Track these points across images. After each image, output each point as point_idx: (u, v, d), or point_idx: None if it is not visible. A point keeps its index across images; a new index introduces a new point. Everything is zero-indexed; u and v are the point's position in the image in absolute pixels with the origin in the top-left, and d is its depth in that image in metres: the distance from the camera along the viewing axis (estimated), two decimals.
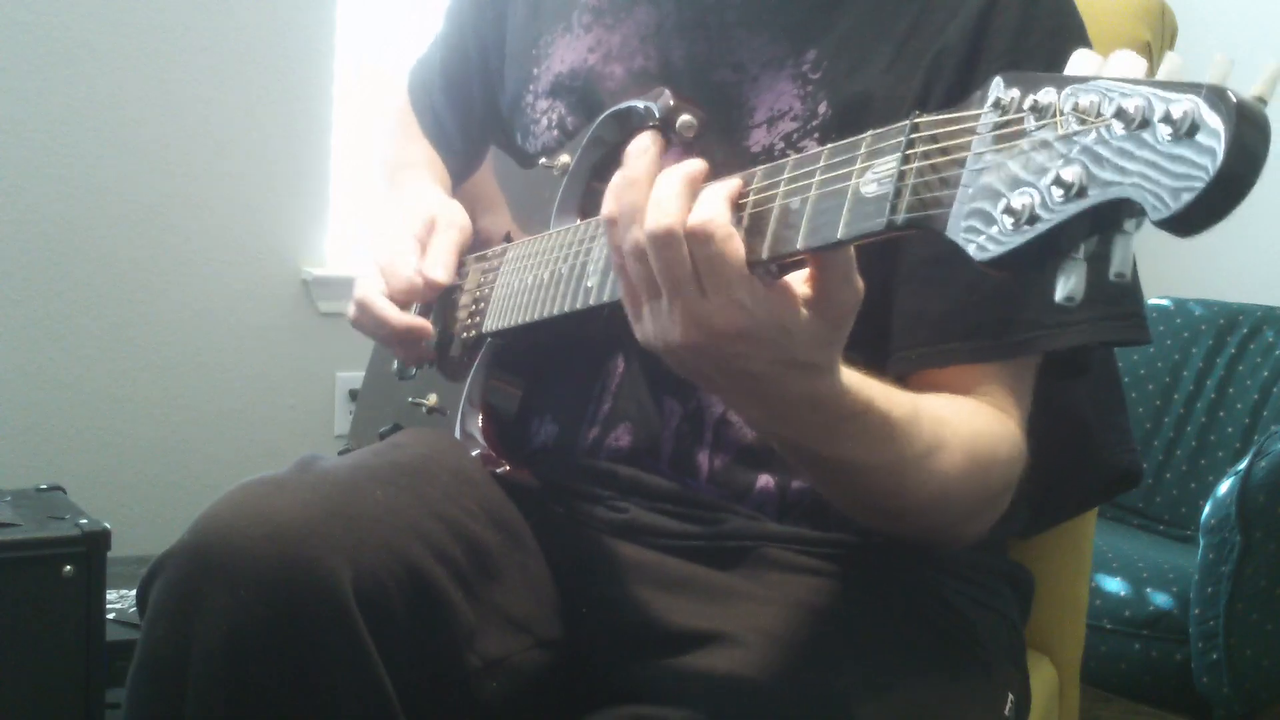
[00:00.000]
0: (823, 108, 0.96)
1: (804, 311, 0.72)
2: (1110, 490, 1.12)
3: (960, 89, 0.92)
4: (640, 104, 1.00)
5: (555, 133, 1.11)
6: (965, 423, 0.87)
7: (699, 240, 0.72)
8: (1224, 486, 2.23)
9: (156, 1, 2.27)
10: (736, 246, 0.71)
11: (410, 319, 1.07)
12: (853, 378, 0.78)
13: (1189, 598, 2.26)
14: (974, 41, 0.93)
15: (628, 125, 1.02)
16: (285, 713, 0.81)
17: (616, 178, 0.78)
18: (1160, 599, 2.33)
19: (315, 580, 0.79)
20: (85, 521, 1.58)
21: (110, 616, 1.67)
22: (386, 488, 0.89)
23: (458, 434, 1.07)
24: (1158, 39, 1.26)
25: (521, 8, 1.17)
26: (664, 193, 0.74)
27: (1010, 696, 1.00)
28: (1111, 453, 1.07)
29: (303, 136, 2.44)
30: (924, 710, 0.90)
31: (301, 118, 2.44)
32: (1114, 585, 2.39)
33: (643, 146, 0.78)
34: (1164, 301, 2.94)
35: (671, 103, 0.98)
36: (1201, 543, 2.24)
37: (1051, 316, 0.89)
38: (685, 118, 0.97)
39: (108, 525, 1.59)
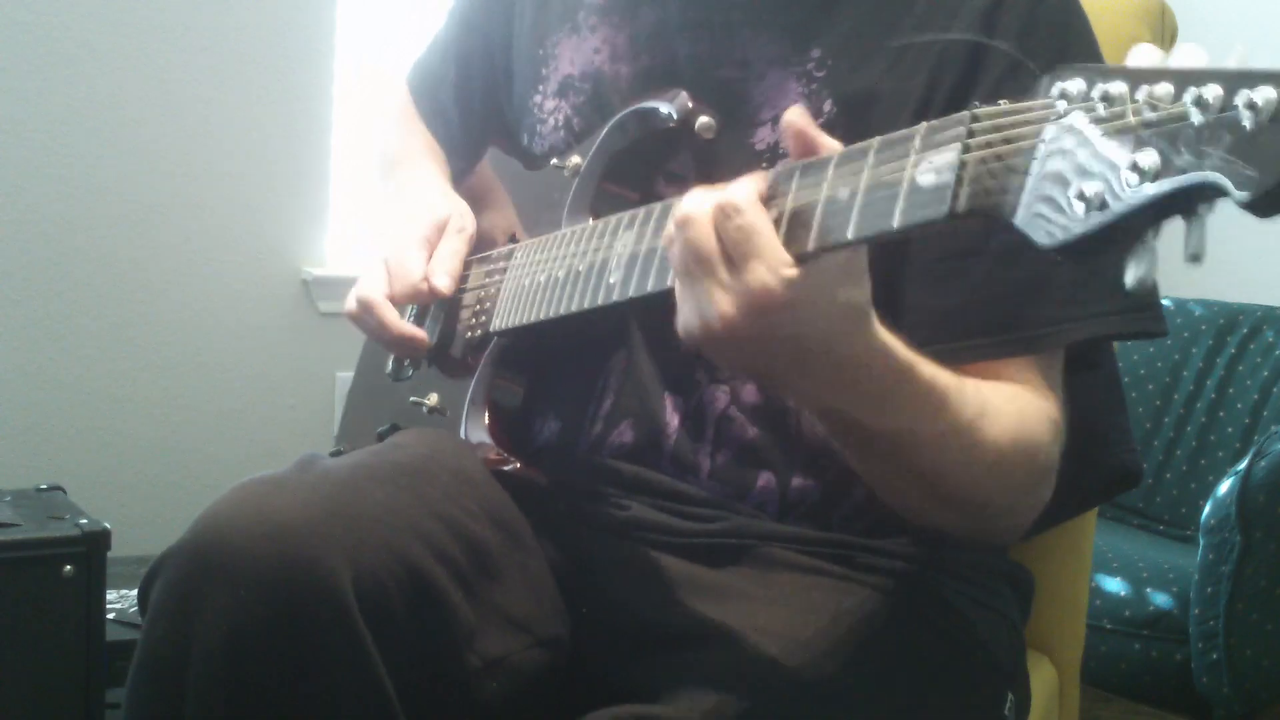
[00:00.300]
0: (827, 105, 0.97)
1: (830, 254, 0.72)
2: (1110, 490, 1.12)
3: (965, 87, 0.92)
4: (658, 105, 1.01)
5: (562, 132, 1.11)
6: (1009, 398, 0.87)
7: (725, 214, 0.72)
8: (1224, 486, 2.23)
9: (156, 1, 2.27)
10: (760, 214, 0.72)
11: (410, 329, 1.08)
12: (891, 339, 0.78)
13: (1189, 598, 2.26)
14: (979, 40, 0.93)
15: (643, 126, 1.02)
16: (285, 712, 0.81)
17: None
18: (1160, 599, 2.33)
19: (315, 580, 0.79)
20: (85, 521, 1.58)
21: (110, 616, 1.67)
22: (386, 487, 0.89)
23: (463, 434, 1.07)
24: (1158, 39, 1.26)
25: (529, 9, 1.17)
26: (696, 190, 0.77)
27: (1010, 696, 1.00)
28: (1112, 453, 1.07)
29: (303, 136, 2.44)
30: (924, 710, 0.90)
31: (301, 118, 2.44)
32: (1114, 585, 2.39)
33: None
34: (1164, 301, 2.93)
35: (690, 105, 0.98)
36: (1201, 543, 2.24)
37: (1071, 309, 0.89)
38: (704, 119, 0.98)
39: (108, 525, 1.59)
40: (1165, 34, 1.28)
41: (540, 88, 1.13)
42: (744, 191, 0.74)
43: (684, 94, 1.00)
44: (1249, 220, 0.59)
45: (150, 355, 2.35)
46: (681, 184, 1.01)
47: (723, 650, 0.88)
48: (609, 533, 0.99)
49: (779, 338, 0.74)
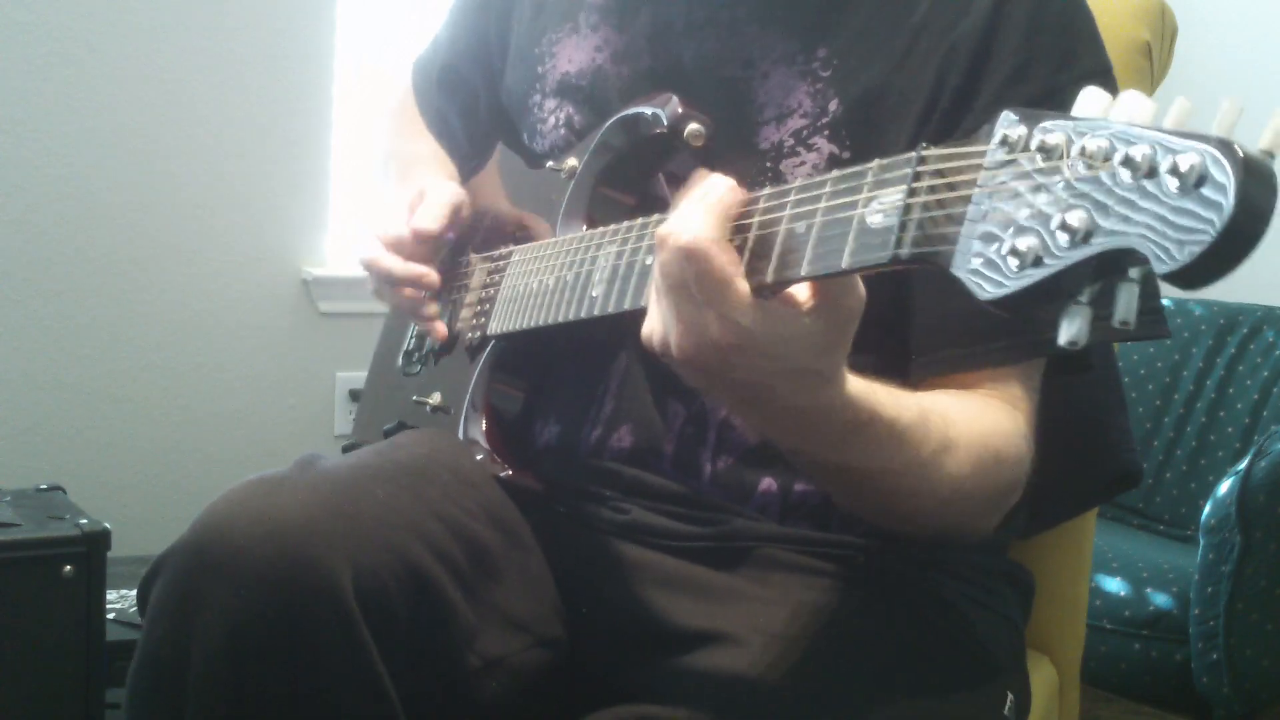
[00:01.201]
0: (833, 104, 0.96)
1: (805, 319, 0.71)
2: (1110, 490, 1.12)
3: (971, 83, 0.92)
4: (648, 110, 1.00)
5: (563, 131, 1.11)
6: (974, 421, 0.87)
7: (687, 256, 0.72)
8: (1224, 486, 2.23)
9: (157, 1, 2.27)
10: (722, 264, 0.71)
11: (416, 267, 1.10)
12: (858, 385, 0.77)
13: (1189, 598, 2.26)
14: (985, 38, 0.93)
15: (635, 131, 1.02)
16: (285, 712, 0.81)
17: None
18: (1160, 599, 2.33)
19: (315, 579, 0.79)
20: (85, 521, 1.58)
21: (110, 616, 1.67)
22: (387, 487, 0.89)
23: (460, 437, 1.07)
24: (1158, 39, 1.26)
25: (527, 7, 1.17)
26: (688, 201, 0.76)
27: (1010, 697, 1.00)
28: (1112, 453, 1.07)
29: (303, 136, 2.44)
30: (925, 710, 0.90)
31: (301, 118, 2.43)
32: (1114, 585, 2.39)
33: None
34: (1164, 301, 2.93)
35: (680, 110, 0.98)
36: (1201, 543, 2.24)
37: None
38: (693, 126, 0.97)
39: (108, 525, 1.59)
40: (1165, 34, 1.28)
41: (538, 86, 1.13)
42: (709, 230, 0.72)
43: (675, 99, 0.99)
44: None
45: (150, 355, 2.34)
46: (684, 184, 1.01)
47: (722, 651, 0.88)
48: (609, 535, 0.99)
49: (729, 377, 0.74)
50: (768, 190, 0.74)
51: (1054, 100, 0.91)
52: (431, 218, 1.09)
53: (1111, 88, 0.95)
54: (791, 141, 0.97)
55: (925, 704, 0.90)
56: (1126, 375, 2.81)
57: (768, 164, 0.98)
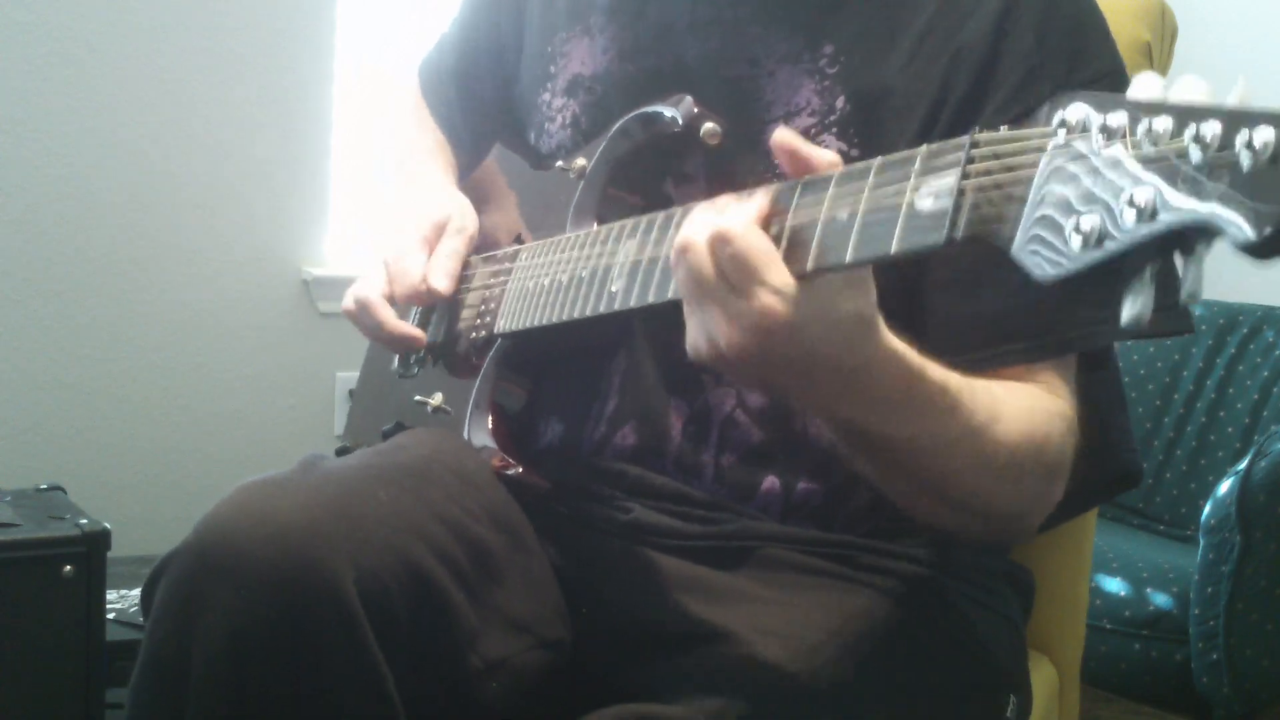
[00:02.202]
0: (840, 102, 0.96)
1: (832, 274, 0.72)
2: (1110, 490, 1.12)
3: (980, 86, 0.92)
4: (664, 110, 1.00)
5: (569, 130, 1.11)
6: (1014, 395, 0.87)
7: (718, 243, 0.72)
8: (1224, 486, 2.23)
9: (157, 1, 2.27)
10: (752, 242, 0.72)
11: (405, 328, 1.09)
12: (900, 345, 0.78)
13: (1189, 598, 2.26)
14: (994, 39, 0.93)
15: (649, 130, 1.02)
16: (288, 713, 0.81)
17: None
18: (1160, 599, 2.33)
19: (318, 581, 0.80)
20: (85, 521, 1.58)
21: (110, 616, 1.67)
22: (389, 489, 0.89)
23: (466, 436, 1.07)
24: (1158, 39, 1.26)
25: (537, 7, 1.17)
26: (696, 212, 0.76)
27: (1012, 699, 1.00)
28: (1112, 453, 1.07)
29: (303, 136, 2.44)
30: (926, 710, 0.90)
31: (301, 118, 2.43)
32: (1114, 585, 2.39)
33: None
34: None
35: (695, 110, 0.98)
36: (1201, 543, 2.24)
37: (1104, 310, 0.89)
38: (710, 125, 0.98)
39: (108, 525, 1.58)
40: (1165, 34, 1.28)
41: (548, 85, 1.13)
42: (740, 217, 0.73)
43: (689, 99, 0.99)
44: None
45: (150, 355, 2.34)
46: (692, 185, 1.01)
47: (725, 651, 0.88)
48: (611, 535, 0.99)
49: (787, 356, 0.74)
50: (803, 180, 0.74)
51: None
52: (446, 275, 1.08)
53: (1124, 87, 0.95)
54: None
55: (928, 705, 0.90)
56: (1126, 375, 2.81)
57: (775, 161, 0.98)
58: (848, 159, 0.95)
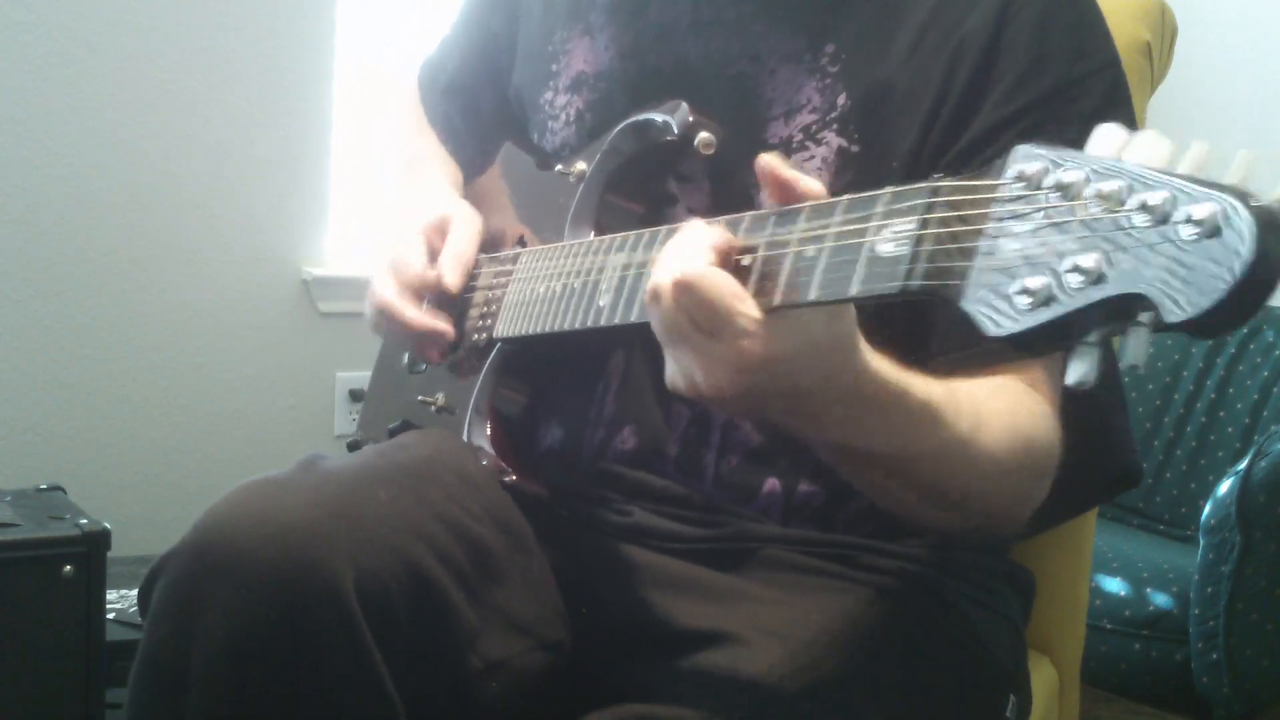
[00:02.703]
0: (841, 99, 0.96)
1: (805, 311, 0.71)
2: (1110, 490, 1.12)
3: (981, 81, 0.92)
4: (658, 117, 1.00)
5: (574, 128, 1.10)
6: (994, 397, 0.87)
7: (682, 292, 0.72)
8: (1224, 486, 2.23)
9: (156, 2, 2.27)
10: (718, 286, 0.71)
11: (431, 322, 1.07)
12: (882, 361, 0.77)
13: (1189, 598, 2.26)
14: (994, 34, 0.93)
15: (644, 137, 1.02)
16: (287, 713, 0.81)
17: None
18: (1160, 599, 2.33)
19: (318, 581, 0.79)
20: (85, 521, 1.58)
21: (110, 616, 1.67)
22: (389, 489, 0.89)
23: (466, 440, 1.07)
24: (1158, 39, 1.26)
25: (536, 5, 1.17)
26: (665, 252, 0.76)
27: (1012, 698, 1.00)
28: (1112, 453, 1.07)
29: (303, 136, 2.44)
30: (926, 710, 0.90)
31: (301, 118, 2.43)
32: (1114, 585, 2.39)
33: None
34: None
35: (690, 118, 0.98)
36: (1201, 543, 2.25)
37: None
38: (704, 135, 0.97)
39: (108, 525, 1.58)
40: (1165, 34, 1.28)
41: (551, 84, 1.13)
42: (700, 260, 0.72)
43: (684, 106, 0.99)
44: None
45: (150, 355, 2.34)
46: (693, 185, 1.01)
47: (725, 652, 0.88)
48: (611, 537, 0.99)
49: (766, 390, 0.74)
50: (779, 210, 0.74)
51: (1070, 92, 0.91)
52: (454, 272, 1.07)
53: (1121, 81, 0.95)
54: (800, 136, 0.97)
55: (928, 705, 0.90)
56: (1126, 375, 2.81)
57: (773, 211, 0.98)
58: (849, 155, 0.95)
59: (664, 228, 0.87)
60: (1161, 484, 2.80)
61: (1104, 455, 1.07)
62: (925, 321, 0.91)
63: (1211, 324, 0.50)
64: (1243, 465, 2.22)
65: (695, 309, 0.72)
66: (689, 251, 0.74)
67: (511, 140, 1.25)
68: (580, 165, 1.07)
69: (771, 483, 0.98)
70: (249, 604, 0.79)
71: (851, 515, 0.99)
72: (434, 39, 1.35)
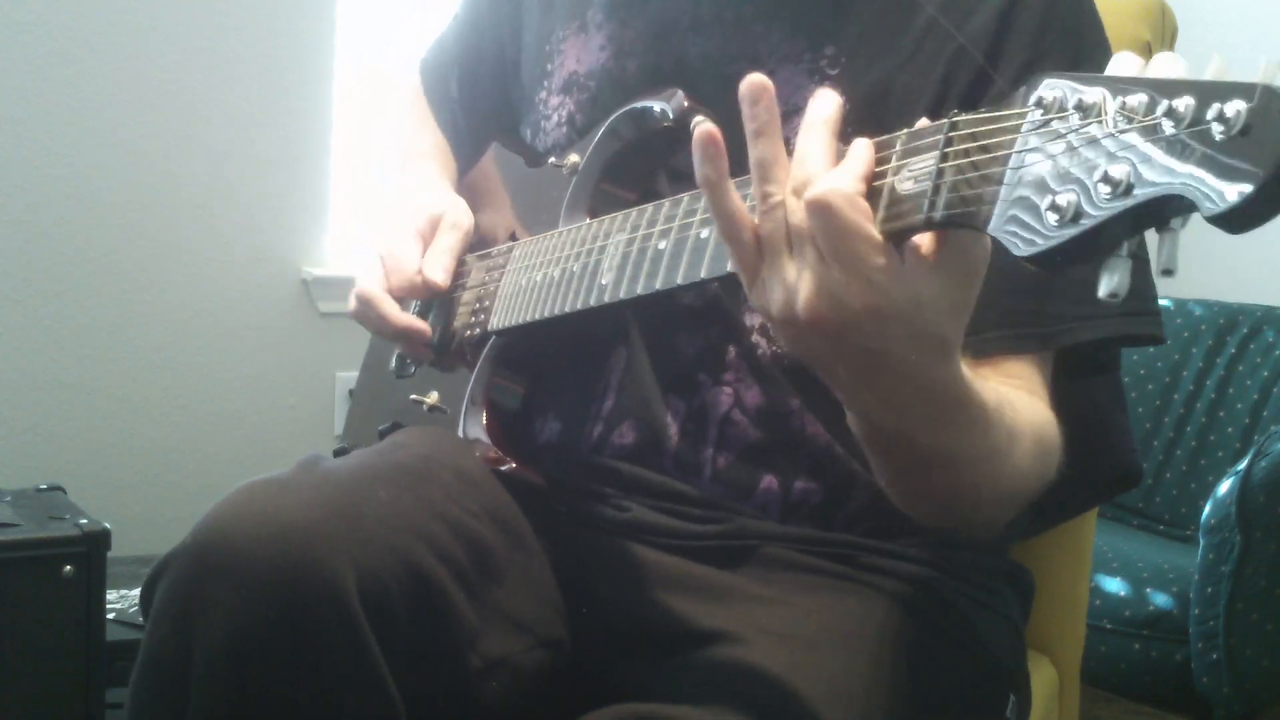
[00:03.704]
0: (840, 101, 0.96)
1: (938, 275, 0.68)
2: (1110, 490, 1.12)
3: (980, 86, 0.93)
4: (654, 105, 1.00)
5: (564, 129, 1.11)
6: (1030, 410, 0.86)
7: (824, 210, 0.67)
8: (1224, 486, 2.23)
9: (157, 2, 2.27)
10: (861, 220, 0.67)
11: (410, 320, 1.08)
12: (965, 369, 0.75)
13: (1189, 598, 2.26)
14: (995, 39, 0.93)
15: (640, 125, 1.02)
16: (288, 713, 0.81)
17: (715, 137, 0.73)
18: (1160, 599, 2.33)
19: (318, 581, 0.79)
20: (85, 521, 1.58)
21: (110, 616, 1.67)
22: (389, 488, 0.89)
23: (461, 433, 1.07)
24: (1158, 39, 1.26)
25: (536, 5, 1.17)
26: (810, 149, 0.71)
27: (1012, 697, 1.00)
28: (1112, 453, 1.07)
29: (303, 136, 2.44)
30: (926, 710, 0.90)
31: (301, 118, 2.43)
32: (1114, 585, 2.39)
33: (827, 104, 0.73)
34: (1164, 301, 2.94)
35: (686, 104, 0.98)
36: (1201, 543, 2.25)
37: (1078, 309, 0.89)
38: (700, 120, 0.97)
39: (108, 525, 1.58)
40: (1165, 34, 1.28)
41: (545, 84, 1.13)
42: (852, 182, 0.68)
43: (680, 93, 0.99)
44: None
45: (150, 355, 2.34)
46: (686, 180, 1.01)
47: (723, 651, 0.88)
48: (610, 534, 0.99)
49: (856, 344, 0.70)
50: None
51: None
52: (441, 268, 1.08)
53: None
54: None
55: (928, 705, 0.90)
56: (1126, 375, 2.81)
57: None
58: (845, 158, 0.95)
59: (667, 199, 0.87)
60: (1161, 484, 2.80)
61: (1104, 455, 1.07)
62: None
63: (1248, 215, 0.51)
64: (1243, 465, 2.22)
65: (830, 230, 0.67)
66: (847, 170, 0.69)
67: (500, 139, 1.25)
68: (573, 158, 1.07)
69: (769, 479, 0.98)
70: (250, 604, 0.79)
71: (850, 514, 0.99)
72: (434, 37, 1.35)
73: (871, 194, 0.68)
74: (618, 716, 0.85)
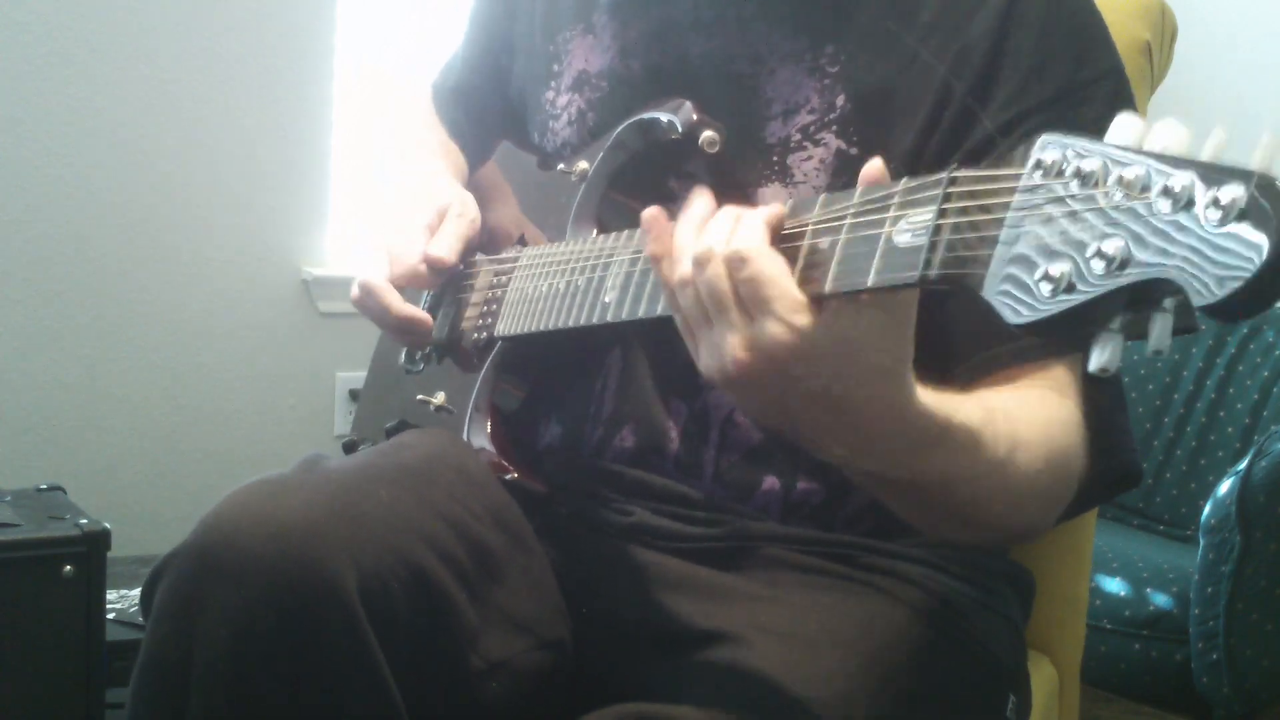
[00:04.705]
0: (840, 100, 0.97)
1: (864, 311, 0.69)
2: (1110, 490, 1.11)
3: (982, 85, 0.92)
4: (663, 116, 1.00)
5: (575, 127, 1.11)
6: (1035, 414, 0.86)
7: (735, 264, 0.70)
8: (1224, 486, 2.23)
9: (156, 1, 2.27)
10: (771, 266, 0.69)
11: (411, 310, 1.08)
12: (930, 395, 0.75)
13: (1189, 598, 2.26)
14: (998, 40, 0.93)
15: (649, 136, 1.02)
16: (289, 713, 0.81)
17: (658, 217, 0.78)
18: (1160, 599, 2.33)
19: (319, 581, 0.79)
20: (85, 521, 1.58)
21: (110, 616, 1.67)
22: (391, 488, 0.89)
23: (465, 438, 1.07)
24: (1158, 39, 1.26)
25: (539, 5, 1.17)
26: (711, 224, 0.74)
27: (1012, 698, 1.00)
28: (1112, 453, 1.07)
29: (303, 136, 2.44)
30: (926, 710, 0.90)
31: (301, 118, 2.43)
32: (1114, 585, 2.39)
33: (700, 201, 0.77)
34: None
35: (694, 117, 0.98)
36: (1201, 543, 2.24)
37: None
38: (708, 134, 0.98)
39: (108, 525, 1.58)
40: (1165, 34, 1.28)
41: (552, 84, 1.13)
42: (754, 237, 0.71)
43: (689, 105, 0.99)
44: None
45: (150, 355, 2.34)
46: (694, 182, 1.01)
47: (724, 651, 0.88)
48: (612, 536, 0.99)
49: (796, 391, 0.71)
50: (791, 202, 0.73)
51: (1072, 98, 0.91)
52: (447, 247, 1.07)
53: (1125, 87, 0.95)
54: (799, 136, 0.97)
55: (928, 705, 0.90)
56: (1126, 375, 2.81)
57: (774, 158, 0.98)
58: (847, 156, 0.95)
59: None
60: (1161, 484, 2.80)
61: (1104, 455, 1.07)
62: (946, 327, 0.90)
63: (1239, 307, 0.50)
64: (1243, 465, 2.22)
65: (744, 284, 0.69)
66: (746, 225, 0.71)
67: (511, 141, 1.26)
68: (582, 164, 1.07)
69: (770, 480, 0.98)
70: (250, 604, 0.79)
71: (851, 513, 0.99)
72: (433, 40, 1.36)
73: (811, 250, 0.70)
74: (619, 717, 0.85)
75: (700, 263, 0.72)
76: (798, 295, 0.69)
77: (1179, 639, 2.28)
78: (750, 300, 0.70)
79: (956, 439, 0.77)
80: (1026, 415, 0.84)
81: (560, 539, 1.00)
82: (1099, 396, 1.04)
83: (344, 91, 2.49)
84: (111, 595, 1.70)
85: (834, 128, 0.96)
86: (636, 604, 0.95)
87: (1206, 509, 2.25)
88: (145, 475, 2.35)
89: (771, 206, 0.73)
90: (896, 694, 0.88)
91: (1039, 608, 1.15)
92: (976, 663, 0.97)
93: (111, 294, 2.30)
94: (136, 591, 1.52)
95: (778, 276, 0.69)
